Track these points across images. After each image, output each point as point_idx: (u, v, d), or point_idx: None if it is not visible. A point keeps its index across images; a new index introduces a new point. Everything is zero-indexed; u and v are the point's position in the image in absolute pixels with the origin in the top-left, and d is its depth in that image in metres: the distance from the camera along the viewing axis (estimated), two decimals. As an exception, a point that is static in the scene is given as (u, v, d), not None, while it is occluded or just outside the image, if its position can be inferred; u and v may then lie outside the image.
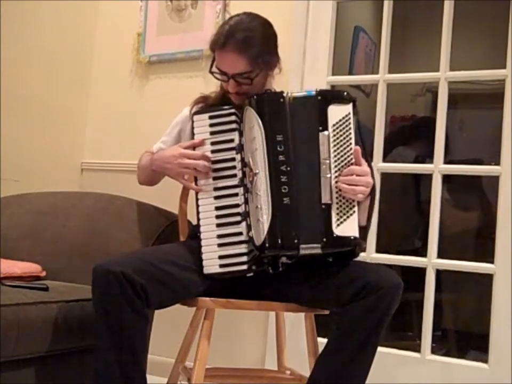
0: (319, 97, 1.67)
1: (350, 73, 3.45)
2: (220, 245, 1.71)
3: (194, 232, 1.82)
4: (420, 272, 2.43)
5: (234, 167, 1.74)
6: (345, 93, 1.68)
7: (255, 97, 1.71)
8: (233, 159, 1.74)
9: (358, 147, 1.66)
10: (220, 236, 1.71)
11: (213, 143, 1.77)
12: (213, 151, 1.76)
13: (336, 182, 1.64)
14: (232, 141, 1.75)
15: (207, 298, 1.71)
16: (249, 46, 1.77)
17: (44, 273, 2.16)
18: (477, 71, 2.45)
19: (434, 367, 2.36)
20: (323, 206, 1.63)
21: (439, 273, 2.46)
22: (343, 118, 1.66)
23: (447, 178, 2.48)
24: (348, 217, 1.63)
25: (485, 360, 2.30)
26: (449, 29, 2.44)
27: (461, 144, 3.83)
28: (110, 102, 3.09)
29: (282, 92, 1.72)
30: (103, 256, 2.03)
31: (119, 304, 1.59)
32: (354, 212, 1.64)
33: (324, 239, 1.62)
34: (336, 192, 1.63)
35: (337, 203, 1.63)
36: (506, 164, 2.31)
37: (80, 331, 1.88)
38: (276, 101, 1.70)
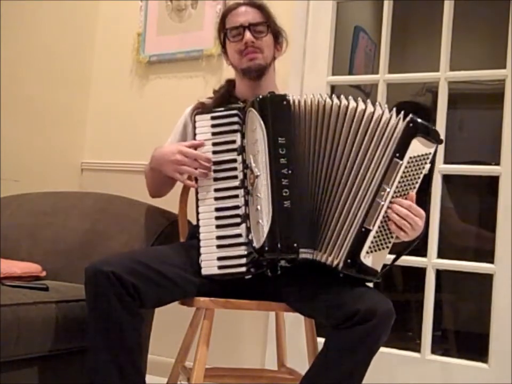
0: (411, 124, 1.58)
1: (350, 73, 3.45)
2: (219, 247, 1.70)
3: (194, 232, 1.82)
4: (420, 272, 2.43)
5: (235, 169, 1.73)
6: (437, 132, 1.61)
7: (258, 99, 1.69)
8: (234, 161, 1.73)
9: (413, 194, 1.60)
10: (219, 238, 1.70)
11: (214, 144, 1.76)
12: (214, 152, 1.75)
13: (386, 212, 1.58)
14: (233, 142, 1.74)
15: (207, 298, 1.71)
16: (261, 4, 1.97)
17: (44, 273, 2.15)
18: (477, 71, 2.45)
19: (434, 367, 2.36)
20: (363, 229, 1.58)
21: (439, 273, 2.46)
22: (422, 155, 1.59)
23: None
24: (379, 249, 1.59)
25: (485, 360, 2.30)
26: (449, 29, 2.44)
27: (461, 144, 3.83)
28: (110, 102, 3.09)
29: (286, 94, 1.70)
30: (103, 256, 2.04)
31: (111, 304, 1.58)
32: (387, 247, 1.60)
33: (349, 260, 1.58)
34: (381, 222, 1.59)
35: (376, 232, 1.58)
36: (506, 164, 2.31)
37: (80, 331, 1.87)
38: (279, 103, 1.68)
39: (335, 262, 1.61)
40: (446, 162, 2.43)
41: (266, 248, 1.60)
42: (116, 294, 1.58)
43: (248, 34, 1.90)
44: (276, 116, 1.67)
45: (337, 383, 1.55)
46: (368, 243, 1.58)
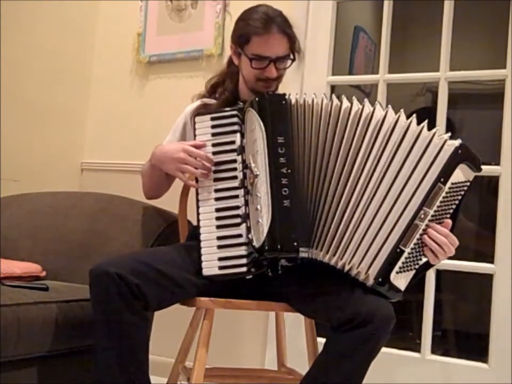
0: (459, 151, 1.56)
1: (350, 73, 3.45)
2: (220, 247, 1.69)
3: (194, 232, 1.82)
4: (420, 272, 2.42)
5: (235, 169, 1.73)
6: (479, 161, 1.59)
7: (256, 98, 1.70)
8: (234, 161, 1.73)
9: (449, 221, 1.59)
10: (219, 238, 1.70)
11: (214, 145, 1.76)
12: (214, 153, 1.75)
13: (421, 234, 1.58)
14: (233, 142, 1.74)
15: (207, 298, 1.71)
16: (289, 28, 1.85)
17: (44, 273, 2.15)
18: (477, 71, 2.46)
19: (434, 367, 2.36)
20: (397, 250, 1.56)
21: (439, 273, 2.46)
22: (462, 182, 1.58)
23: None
24: (408, 270, 1.58)
25: (485, 360, 2.30)
26: (449, 29, 2.44)
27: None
28: (110, 102, 3.09)
29: (284, 94, 1.71)
30: (103, 256, 2.04)
31: (116, 305, 1.59)
32: (415, 269, 1.59)
33: (380, 279, 1.57)
34: (415, 244, 1.58)
35: (409, 253, 1.57)
36: (506, 164, 2.31)
37: (80, 331, 1.88)
38: (278, 103, 1.68)
39: (362, 277, 1.59)
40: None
41: (266, 248, 1.60)
42: (121, 295, 1.58)
43: (273, 70, 1.83)
44: (275, 116, 1.67)
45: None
46: (399, 263, 1.57)
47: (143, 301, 1.61)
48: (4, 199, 2.47)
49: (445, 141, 1.57)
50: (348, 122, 1.64)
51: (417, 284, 2.47)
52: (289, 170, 1.63)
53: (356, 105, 1.64)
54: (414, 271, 1.59)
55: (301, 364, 1.92)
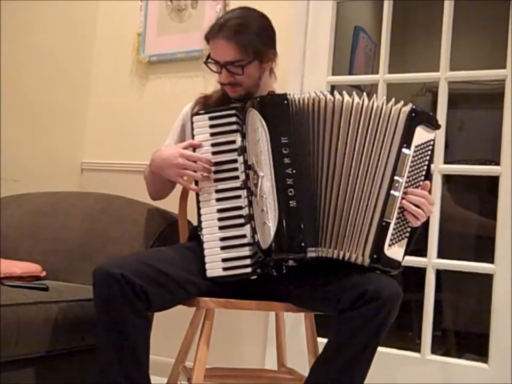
0: (413, 114, 1.63)
1: (350, 73, 3.45)
2: (223, 248, 1.69)
3: (195, 233, 1.82)
4: (420, 272, 2.43)
5: (236, 169, 1.72)
6: (435, 119, 1.68)
7: (258, 99, 1.69)
8: (235, 161, 1.73)
9: (428, 183, 1.66)
10: (222, 239, 1.70)
11: (213, 145, 1.75)
12: (213, 153, 1.74)
13: (400, 202, 1.62)
14: (233, 142, 1.73)
15: (207, 298, 1.71)
16: (239, 33, 1.79)
17: (44, 273, 2.16)
18: (477, 71, 2.45)
19: (434, 367, 2.36)
20: (383, 223, 1.60)
21: (439, 273, 2.46)
22: (426, 142, 1.65)
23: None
24: (399, 240, 1.63)
25: (485, 360, 2.30)
26: (449, 29, 2.44)
27: (461, 144, 3.83)
28: (110, 102, 3.09)
29: (286, 94, 1.70)
30: (103, 256, 2.04)
31: (119, 306, 1.58)
32: (406, 236, 1.63)
33: (375, 256, 1.60)
34: (398, 213, 1.62)
35: (395, 223, 1.62)
36: (506, 164, 2.31)
37: (80, 331, 1.88)
38: (280, 103, 1.68)
39: (360, 260, 1.62)
40: (446, 162, 2.43)
41: (274, 249, 1.60)
42: (124, 297, 1.58)
43: (224, 74, 1.82)
44: (277, 116, 1.67)
45: (350, 361, 1.57)
46: (389, 235, 1.61)
47: (145, 301, 1.61)
48: (4, 199, 2.47)
49: (400, 110, 1.64)
50: (338, 114, 1.66)
51: (417, 283, 2.50)
52: (294, 171, 1.63)
53: (347, 97, 1.67)
54: (406, 239, 1.63)
55: (301, 364, 1.92)
